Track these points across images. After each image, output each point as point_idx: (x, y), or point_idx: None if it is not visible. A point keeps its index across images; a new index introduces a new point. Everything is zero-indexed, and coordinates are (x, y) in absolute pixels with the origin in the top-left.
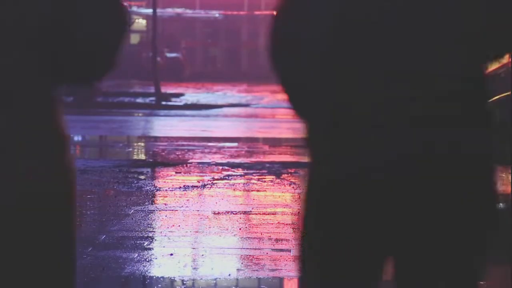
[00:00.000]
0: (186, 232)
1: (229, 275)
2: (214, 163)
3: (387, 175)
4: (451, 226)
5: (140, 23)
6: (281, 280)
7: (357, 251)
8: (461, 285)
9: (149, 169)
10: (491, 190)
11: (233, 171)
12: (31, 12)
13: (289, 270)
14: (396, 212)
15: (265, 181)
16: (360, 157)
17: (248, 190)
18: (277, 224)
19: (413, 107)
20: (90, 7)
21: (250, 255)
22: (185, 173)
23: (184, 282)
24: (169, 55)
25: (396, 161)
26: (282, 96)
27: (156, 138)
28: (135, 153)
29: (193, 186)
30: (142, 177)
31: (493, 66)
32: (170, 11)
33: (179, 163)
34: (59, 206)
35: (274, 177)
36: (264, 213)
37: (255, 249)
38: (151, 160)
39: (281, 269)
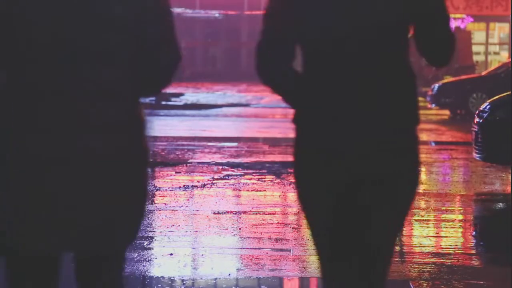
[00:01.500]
0: (186, 232)
1: (229, 275)
2: (214, 162)
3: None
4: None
5: None
6: (281, 280)
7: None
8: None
9: (149, 169)
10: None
11: (233, 171)
12: (128, 40)
13: (289, 270)
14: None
15: (265, 181)
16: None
17: (248, 190)
18: (277, 224)
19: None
20: (162, 42)
21: (250, 255)
22: (185, 173)
23: (184, 282)
24: None
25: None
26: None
27: (156, 138)
28: None
29: (193, 186)
30: None
31: (493, 66)
32: None
33: (179, 163)
34: (138, 163)
35: (274, 177)
36: (264, 213)
37: (255, 249)
38: (151, 160)
39: (281, 269)
